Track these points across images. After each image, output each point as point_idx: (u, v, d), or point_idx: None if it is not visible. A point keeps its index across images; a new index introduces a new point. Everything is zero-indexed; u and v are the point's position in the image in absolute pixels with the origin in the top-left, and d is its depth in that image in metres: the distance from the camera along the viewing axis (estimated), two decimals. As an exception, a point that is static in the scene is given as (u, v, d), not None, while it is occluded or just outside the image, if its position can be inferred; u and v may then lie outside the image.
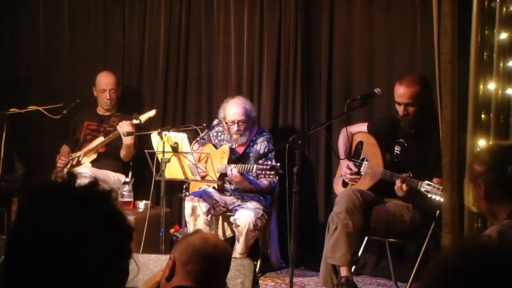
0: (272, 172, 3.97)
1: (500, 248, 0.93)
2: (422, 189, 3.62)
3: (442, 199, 3.41)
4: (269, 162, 4.33)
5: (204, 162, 4.37)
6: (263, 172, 4.03)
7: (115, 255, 1.17)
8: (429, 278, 0.93)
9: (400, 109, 3.82)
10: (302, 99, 4.74)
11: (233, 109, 4.36)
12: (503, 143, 2.43)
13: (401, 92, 3.78)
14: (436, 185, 3.56)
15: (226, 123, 4.40)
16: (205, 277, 1.92)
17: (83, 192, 1.17)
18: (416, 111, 3.79)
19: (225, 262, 2.01)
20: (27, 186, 1.20)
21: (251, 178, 4.31)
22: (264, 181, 4.32)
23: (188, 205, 4.27)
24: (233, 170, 4.19)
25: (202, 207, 4.27)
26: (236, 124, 4.35)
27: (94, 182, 1.20)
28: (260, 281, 4.06)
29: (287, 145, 3.51)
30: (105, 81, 4.85)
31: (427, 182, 3.62)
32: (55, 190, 1.17)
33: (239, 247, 4.25)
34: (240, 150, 4.48)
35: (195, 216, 4.25)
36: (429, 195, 3.58)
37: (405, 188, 3.70)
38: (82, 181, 1.19)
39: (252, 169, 4.12)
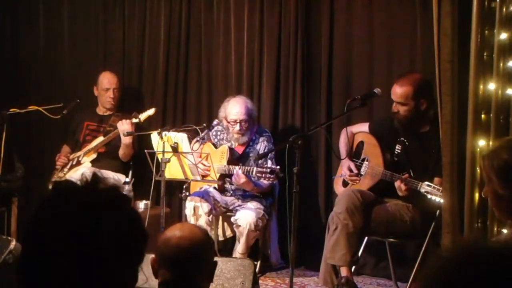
0: (272, 176, 3.97)
1: (498, 248, 0.93)
2: (422, 190, 3.62)
3: (442, 200, 3.41)
4: (269, 162, 4.33)
5: (205, 159, 4.37)
6: (263, 175, 4.02)
7: (129, 258, 1.18)
8: (427, 279, 0.93)
9: (393, 106, 3.88)
10: (302, 99, 4.74)
11: (235, 109, 4.35)
12: None
13: (394, 90, 3.84)
14: (436, 186, 3.56)
15: (228, 122, 4.39)
16: (179, 275, 1.98)
17: (108, 193, 1.19)
18: (406, 111, 3.82)
19: (196, 255, 2.02)
20: (55, 184, 1.22)
21: (253, 179, 4.30)
22: (264, 181, 4.31)
23: (190, 205, 4.27)
24: (238, 172, 4.18)
25: (204, 207, 4.27)
26: (238, 124, 4.34)
27: (117, 186, 1.22)
28: (260, 281, 4.06)
29: (287, 145, 3.51)
30: (108, 80, 4.86)
31: (427, 183, 3.62)
32: (81, 188, 1.19)
33: (240, 247, 4.25)
34: (240, 150, 4.47)
35: (197, 216, 4.25)
36: (429, 196, 3.59)
37: (403, 188, 3.70)
38: (105, 184, 1.21)
39: (252, 172, 4.11)
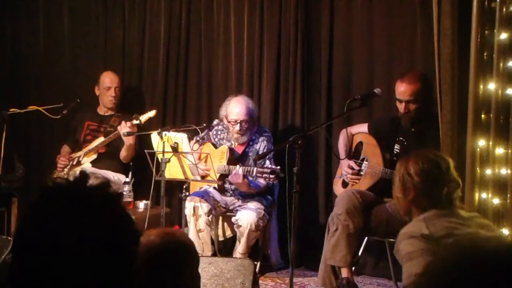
0: (273, 176, 3.96)
1: (498, 247, 0.93)
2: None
3: None
4: (268, 162, 4.32)
5: (204, 162, 4.37)
6: (263, 176, 4.01)
7: (121, 257, 1.17)
8: (426, 278, 0.93)
9: (401, 107, 3.82)
10: (302, 99, 4.74)
11: (236, 109, 4.35)
12: (439, 156, 2.67)
13: (403, 89, 3.79)
14: None
15: (229, 122, 4.39)
16: (143, 280, 1.89)
17: (94, 192, 1.18)
18: (417, 109, 3.80)
19: (151, 263, 1.86)
20: (40, 183, 1.21)
21: (250, 179, 4.29)
22: (261, 181, 4.28)
23: (189, 205, 4.27)
24: (239, 171, 4.17)
25: (204, 207, 4.26)
26: (238, 124, 4.34)
27: (106, 183, 1.21)
28: (260, 281, 4.06)
29: (287, 145, 3.50)
30: (110, 79, 4.88)
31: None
32: (67, 188, 1.19)
33: (240, 247, 4.24)
34: (240, 149, 4.47)
35: (197, 216, 4.25)
36: None
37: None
38: (94, 181, 1.20)
39: (252, 172, 4.10)
